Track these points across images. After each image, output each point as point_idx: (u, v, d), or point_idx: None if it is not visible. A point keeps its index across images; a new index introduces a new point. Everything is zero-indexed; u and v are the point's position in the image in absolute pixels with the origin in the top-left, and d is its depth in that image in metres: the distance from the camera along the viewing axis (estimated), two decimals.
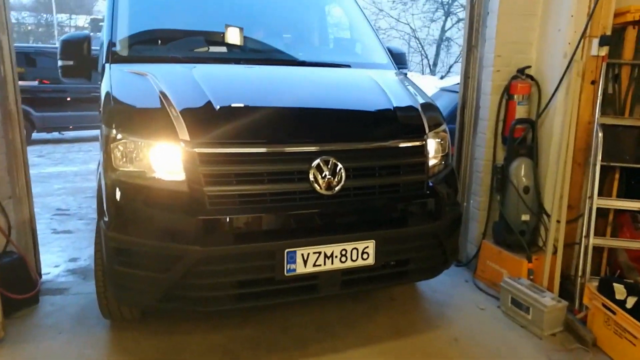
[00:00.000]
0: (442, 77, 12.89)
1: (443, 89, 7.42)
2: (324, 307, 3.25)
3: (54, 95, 11.45)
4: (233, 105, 2.50)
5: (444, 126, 2.92)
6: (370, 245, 2.41)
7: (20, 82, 9.89)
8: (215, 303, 2.35)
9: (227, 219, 2.24)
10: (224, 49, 3.26)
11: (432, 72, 13.82)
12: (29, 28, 41.03)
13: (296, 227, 2.36)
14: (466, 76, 3.96)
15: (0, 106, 3.04)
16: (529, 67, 3.56)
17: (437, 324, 3.12)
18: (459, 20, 13.14)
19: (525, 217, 3.41)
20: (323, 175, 2.35)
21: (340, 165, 2.38)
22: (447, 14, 13.62)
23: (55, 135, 12.53)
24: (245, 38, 3.43)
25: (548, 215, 3.38)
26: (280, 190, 2.33)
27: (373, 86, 2.96)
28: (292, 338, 2.89)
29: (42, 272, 3.70)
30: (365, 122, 2.71)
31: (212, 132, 2.30)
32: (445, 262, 2.80)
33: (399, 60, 3.69)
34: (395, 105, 2.75)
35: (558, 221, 3.26)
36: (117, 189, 2.31)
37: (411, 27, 13.92)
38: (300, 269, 2.31)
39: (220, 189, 2.26)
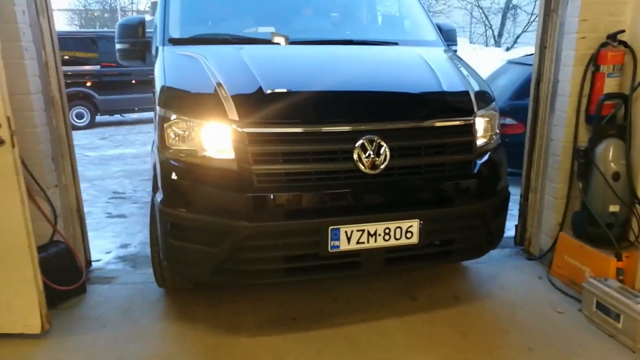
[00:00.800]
0: (508, 49, 11.97)
1: (510, 62, 6.81)
2: (382, 306, 2.98)
3: (117, 78, 11.76)
4: (279, 87, 2.52)
5: (493, 104, 2.84)
6: (414, 224, 2.42)
7: (84, 67, 10.10)
8: (264, 276, 2.47)
9: (274, 197, 2.31)
10: (271, 29, 3.29)
11: (497, 44, 12.85)
12: (95, 14, 42.76)
13: (340, 205, 2.40)
14: (542, 45, 3.46)
15: (43, 93, 2.94)
16: (622, 31, 3.02)
17: (507, 328, 2.76)
18: None
19: (614, 208, 2.94)
20: (367, 154, 2.37)
21: (384, 145, 2.38)
22: None
23: (118, 117, 12.92)
24: (292, 18, 3.57)
25: None
26: (324, 169, 2.38)
27: (420, 64, 2.92)
28: (346, 339, 2.65)
29: (93, 259, 3.67)
30: (410, 101, 2.69)
31: (259, 113, 2.35)
32: (491, 242, 2.76)
33: (448, 37, 3.61)
34: (442, 84, 2.69)
35: None
36: (170, 167, 2.41)
37: None
38: (343, 245, 2.36)
39: (267, 167, 2.33)
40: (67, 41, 11.71)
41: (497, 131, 2.86)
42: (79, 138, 10.53)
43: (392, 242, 2.41)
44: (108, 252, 3.98)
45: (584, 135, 3.19)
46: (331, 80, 2.66)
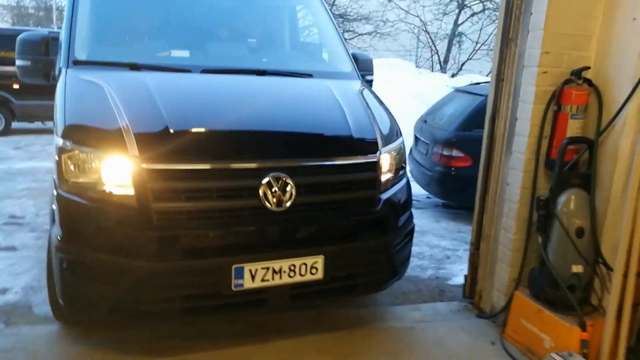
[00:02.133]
0: (453, 75, 12.00)
1: (458, 90, 6.58)
2: None
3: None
4: (184, 123, 2.48)
5: (400, 140, 2.95)
6: (319, 260, 2.44)
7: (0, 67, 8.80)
8: (163, 316, 2.42)
9: (174, 235, 2.27)
10: (185, 54, 3.30)
11: (443, 70, 12.89)
12: (31, 11, 40.20)
13: (245, 242, 2.39)
14: (499, 78, 3.11)
15: None
16: (587, 68, 2.71)
17: None
18: (473, 14, 12.26)
19: (577, 269, 2.58)
20: (273, 191, 2.36)
21: (290, 182, 2.39)
22: (461, 7, 12.66)
23: (38, 125, 11.74)
24: (208, 42, 3.49)
25: (608, 267, 2.56)
26: (229, 206, 2.36)
27: (330, 100, 2.94)
28: None
29: None
30: (317, 139, 2.72)
31: (160, 148, 2.29)
32: (394, 274, 2.82)
33: (364, 67, 3.66)
34: (349, 121, 2.73)
35: (625, 275, 2.43)
36: (67, 200, 2.33)
37: (421, 20, 13.03)
38: (248, 284, 2.33)
39: (168, 205, 2.27)
40: None
41: (404, 165, 2.96)
42: None
43: (298, 278, 2.41)
44: None
45: (544, 181, 2.83)
46: (239, 116, 2.64)
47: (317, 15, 4.05)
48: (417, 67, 12.69)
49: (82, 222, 2.33)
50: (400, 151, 2.91)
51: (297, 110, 2.93)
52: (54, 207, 2.41)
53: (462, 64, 12.71)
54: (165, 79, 2.92)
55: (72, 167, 2.35)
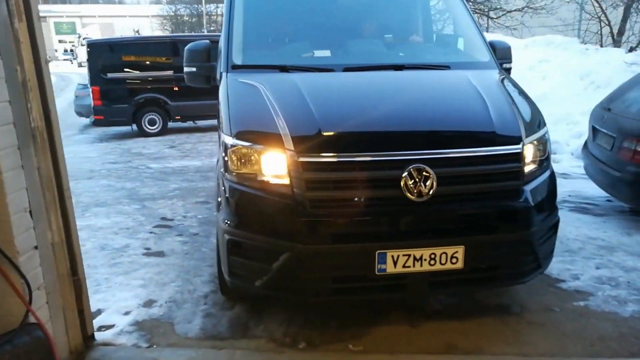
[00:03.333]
0: (631, 50, 9.99)
1: None
2: None
3: None
4: (331, 119, 2.66)
5: (544, 130, 2.89)
6: (459, 250, 2.48)
7: (156, 72, 10.03)
8: (315, 294, 2.59)
9: (325, 221, 2.46)
10: (327, 53, 3.55)
11: (617, 44, 10.82)
12: (185, 19, 44.46)
13: (388, 230, 2.50)
14: None
15: (16, 124, 2.14)
16: None
17: None
18: None
19: None
20: (414, 182, 2.44)
21: (431, 173, 2.44)
22: None
23: (190, 124, 12.60)
24: (347, 40, 3.68)
25: None
26: (373, 195, 2.48)
27: (469, 91, 2.97)
28: None
29: (107, 323, 3.02)
30: (457, 129, 2.72)
31: (312, 142, 2.50)
32: (538, 267, 2.76)
33: (502, 55, 3.62)
34: (490, 112, 2.74)
35: None
36: (232, 189, 2.63)
37: None
38: (390, 269, 2.45)
39: (319, 193, 2.48)
40: (149, 46, 11.60)
41: (548, 156, 2.89)
42: (149, 146, 10.25)
43: (438, 266, 2.48)
44: (127, 313, 3.19)
45: None
46: (380, 111, 2.75)
47: (451, 5, 3.99)
48: (582, 42, 10.87)
49: (244, 208, 2.63)
50: (544, 141, 2.85)
51: (437, 102, 2.95)
52: (220, 196, 2.76)
53: None
54: (312, 79, 3.15)
55: (236, 160, 2.63)
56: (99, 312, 3.19)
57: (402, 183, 2.44)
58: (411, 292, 2.65)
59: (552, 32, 11.87)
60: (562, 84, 9.38)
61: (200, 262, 4.05)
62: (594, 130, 5.29)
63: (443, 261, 2.48)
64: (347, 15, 3.90)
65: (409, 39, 3.97)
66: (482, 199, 2.57)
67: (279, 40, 3.79)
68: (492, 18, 14.74)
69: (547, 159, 2.88)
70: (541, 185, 2.74)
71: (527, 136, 2.67)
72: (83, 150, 10.11)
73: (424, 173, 2.44)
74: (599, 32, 11.38)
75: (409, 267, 2.46)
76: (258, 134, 2.63)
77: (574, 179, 6.57)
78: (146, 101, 11.38)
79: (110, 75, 11.11)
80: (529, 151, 2.69)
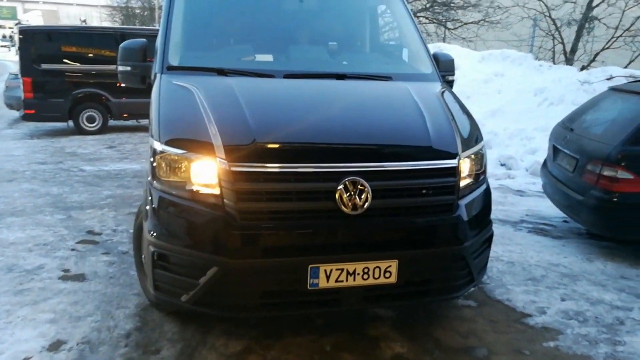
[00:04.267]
0: (582, 68, 10.18)
1: (614, 89, 5.15)
2: None
3: None
4: (267, 127, 2.56)
5: (481, 145, 2.89)
6: (393, 265, 2.45)
7: (99, 66, 9.21)
8: (243, 310, 2.50)
9: (256, 234, 2.38)
10: (269, 58, 3.45)
11: (569, 62, 11.01)
12: (137, 11, 42.67)
13: (321, 244, 2.44)
14: None
15: None
16: None
17: None
18: None
19: None
20: (349, 195, 2.39)
21: (366, 186, 2.41)
22: None
23: (134, 122, 11.79)
24: (291, 45, 3.60)
25: None
26: (306, 208, 2.42)
27: (409, 103, 2.95)
28: None
29: None
30: (394, 143, 2.69)
31: (245, 151, 2.41)
32: (471, 281, 2.76)
33: (446, 67, 3.59)
34: (429, 125, 2.72)
35: None
36: (159, 198, 2.52)
37: (544, 4, 11.19)
38: (322, 283, 2.40)
39: (251, 205, 2.38)
40: (93, 37, 10.72)
41: (484, 170, 2.90)
42: (86, 145, 9.44)
43: (371, 281, 2.45)
44: None
45: None
46: (318, 121, 2.70)
47: (398, 15, 3.93)
48: (536, 59, 10.98)
49: (171, 219, 2.51)
50: (481, 156, 2.86)
51: (375, 115, 2.90)
52: (147, 204, 2.61)
53: (596, 54, 10.71)
54: (250, 85, 3.02)
55: (164, 167, 2.52)
56: None
57: (337, 195, 2.38)
58: (345, 307, 2.58)
59: (506, 46, 11.97)
60: (517, 99, 9.39)
61: (127, 288, 3.50)
62: (555, 150, 5.13)
63: (376, 275, 2.45)
64: (293, 20, 3.81)
65: (354, 47, 3.92)
66: (416, 213, 2.55)
67: (220, 42, 3.64)
68: (449, 29, 14.80)
69: (484, 173, 2.90)
70: (476, 200, 2.75)
71: (463, 150, 2.67)
72: (9, 147, 9.16)
73: (359, 186, 2.40)
74: (552, 49, 11.57)
75: (342, 281, 2.42)
76: (188, 141, 2.52)
77: (530, 197, 6.46)
78: (85, 96, 10.50)
79: (45, 66, 10.17)
80: (465, 165, 2.69)
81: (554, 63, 11.23)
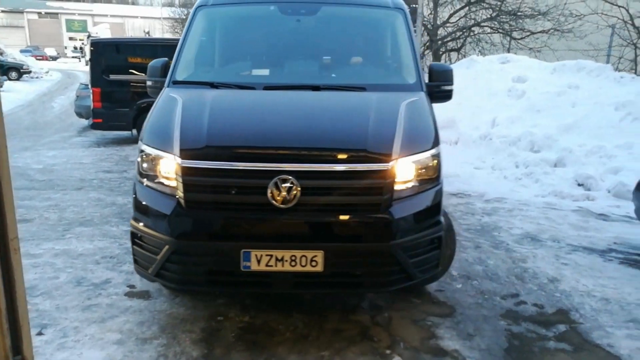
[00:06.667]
0: None
1: None
2: None
3: None
4: (217, 130, 2.99)
5: (432, 151, 3.02)
6: (319, 255, 2.73)
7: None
8: (189, 284, 2.98)
9: (199, 220, 2.83)
10: (265, 72, 3.93)
11: None
12: None
13: (253, 232, 2.82)
14: None
15: None
16: None
17: None
18: None
19: None
20: (279, 191, 2.70)
21: (295, 184, 2.70)
22: None
23: None
24: (286, 62, 4.00)
25: None
26: (242, 201, 2.81)
27: (362, 111, 3.20)
28: None
29: None
30: (328, 146, 2.91)
31: (194, 151, 2.84)
32: (408, 279, 2.93)
33: (440, 77, 3.73)
34: (369, 131, 2.95)
35: None
36: (137, 188, 3.06)
37: (627, 11, 10.40)
38: (254, 266, 2.73)
39: (196, 195, 2.82)
40: (156, 49, 11.01)
41: (435, 175, 3.03)
42: None
43: (299, 268, 2.74)
44: None
45: None
46: (266, 127, 3.06)
47: (394, 29, 4.12)
48: (615, 69, 10.22)
49: (142, 205, 2.98)
50: (428, 161, 2.99)
51: (323, 121, 3.17)
52: (133, 193, 3.11)
53: None
54: (228, 95, 3.52)
55: (142, 163, 3.02)
56: None
57: (268, 191, 2.70)
58: (276, 289, 3.00)
59: (579, 56, 11.23)
60: (595, 113, 8.72)
61: (192, 310, 3.38)
62: None
63: (303, 263, 2.72)
64: (292, 37, 4.20)
65: (348, 60, 4.14)
66: (344, 210, 2.80)
67: (224, 59, 4.19)
68: (515, 39, 14.14)
69: (434, 177, 3.03)
70: (416, 202, 2.92)
71: (403, 155, 2.86)
72: (78, 155, 9.49)
73: (290, 184, 2.69)
74: (635, 60, 10.74)
75: (271, 266, 2.73)
76: (160, 142, 2.96)
77: (615, 222, 5.87)
78: (149, 106, 10.73)
79: (113, 76, 10.52)
80: (404, 169, 2.87)
81: (637, 74, 10.41)
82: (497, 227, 5.38)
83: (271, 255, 2.71)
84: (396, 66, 4.05)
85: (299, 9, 4.15)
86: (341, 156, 2.84)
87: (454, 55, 15.16)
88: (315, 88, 3.49)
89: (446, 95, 3.75)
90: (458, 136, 9.72)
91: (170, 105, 3.24)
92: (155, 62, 3.84)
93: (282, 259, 2.71)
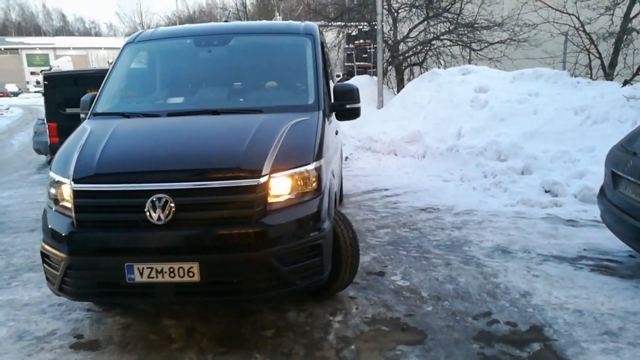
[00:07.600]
0: (625, 83, 9.56)
1: None
2: None
3: None
4: (107, 156, 3.23)
5: (308, 166, 3.20)
6: (194, 266, 2.90)
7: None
8: (85, 296, 3.26)
9: (87, 237, 3.06)
10: (180, 100, 4.27)
11: (609, 77, 10.40)
12: None
13: (134, 246, 3.01)
14: None
15: None
16: None
17: None
18: None
19: None
20: (155, 209, 2.92)
21: (170, 201, 2.92)
22: None
23: None
24: (198, 90, 4.40)
25: None
26: (123, 219, 3.04)
27: (245, 131, 3.37)
28: None
29: None
30: (204, 166, 3.14)
31: (83, 175, 3.13)
32: (284, 285, 3.07)
33: (344, 97, 4.06)
34: (245, 149, 3.16)
35: None
36: (45, 211, 3.33)
37: (577, 18, 10.67)
38: (138, 278, 2.93)
39: (84, 215, 3.07)
40: (96, 79, 10.73)
41: (315, 188, 3.21)
42: None
43: (177, 279, 2.92)
44: None
45: None
46: (150, 151, 3.35)
47: (302, 54, 4.33)
48: (571, 75, 10.40)
49: (46, 226, 3.21)
50: (306, 175, 3.18)
51: (206, 142, 3.40)
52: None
53: (639, 68, 10.09)
54: (130, 123, 3.78)
55: (49, 188, 3.31)
56: None
57: (146, 209, 2.91)
58: (160, 299, 3.16)
59: (537, 64, 11.43)
60: (556, 118, 8.82)
61: (148, 358, 3.12)
62: (615, 176, 4.59)
63: (181, 274, 2.89)
64: (205, 68, 4.51)
65: (256, 86, 4.39)
66: (216, 224, 2.97)
67: (144, 91, 4.52)
68: (474, 50, 14.37)
69: (313, 190, 3.19)
70: (290, 213, 3.07)
71: (276, 171, 3.05)
72: (35, 193, 9.05)
73: (165, 201, 2.90)
74: (589, 65, 10.98)
75: (153, 277, 2.91)
76: (62, 169, 3.23)
77: (584, 227, 5.83)
78: None
79: (70, 110, 10.16)
80: (277, 184, 3.05)
81: (592, 79, 10.63)
82: (468, 241, 5.27)
83: (152, 268, 2.90)
84: (298, 88, 4.23)
85: (211, 40, 4.51)
86: (213, 174, 3.04)
87: (416, 69, 15.31)
88: (215, 113, 3.75)
89: (353, 113, 4.09)
90: (425, 149, 9.71)
91: (79, 135, 3.52)
92: (85, 97, 4.10)
93: (162, 271, 2.89)
